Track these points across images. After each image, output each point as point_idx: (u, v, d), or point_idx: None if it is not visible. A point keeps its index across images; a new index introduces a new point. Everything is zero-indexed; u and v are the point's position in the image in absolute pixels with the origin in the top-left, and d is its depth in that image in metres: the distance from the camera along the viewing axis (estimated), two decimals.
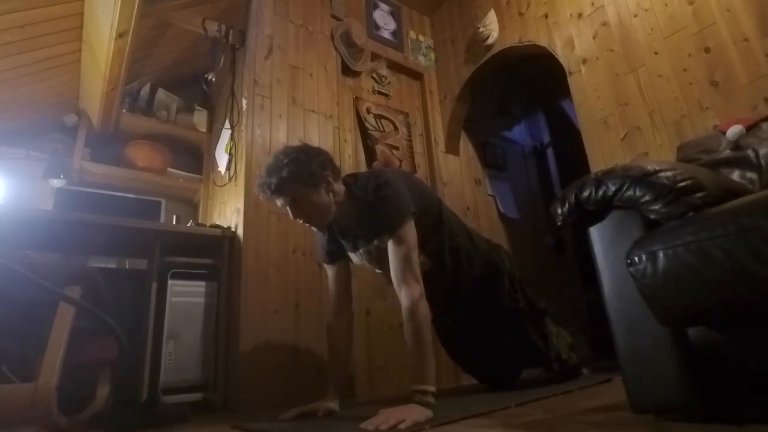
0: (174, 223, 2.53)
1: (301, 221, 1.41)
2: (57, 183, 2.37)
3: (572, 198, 1.02)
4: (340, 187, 1.46)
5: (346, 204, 1.46)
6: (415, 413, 1.12)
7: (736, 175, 1.41)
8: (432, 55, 3.30)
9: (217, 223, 2.30)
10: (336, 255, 1.60)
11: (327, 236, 1.58)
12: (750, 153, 1.43)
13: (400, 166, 2.79)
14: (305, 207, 1.39)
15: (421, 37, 3.29)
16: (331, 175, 1.41)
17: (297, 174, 1.35)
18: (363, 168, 2.64)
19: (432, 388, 1.19)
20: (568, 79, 2.35)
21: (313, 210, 1.40)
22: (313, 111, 2.48)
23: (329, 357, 1.61)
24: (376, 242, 1.47)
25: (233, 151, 2.33)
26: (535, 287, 3.18)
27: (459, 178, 3.05)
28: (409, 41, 3.21)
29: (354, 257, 1.58)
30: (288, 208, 1.39)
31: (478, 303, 1.66)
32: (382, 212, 1.39)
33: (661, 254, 0.84)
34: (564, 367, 1.69)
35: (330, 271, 1.62)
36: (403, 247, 1.35)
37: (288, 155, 1.38)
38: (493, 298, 1.67)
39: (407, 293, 1.30)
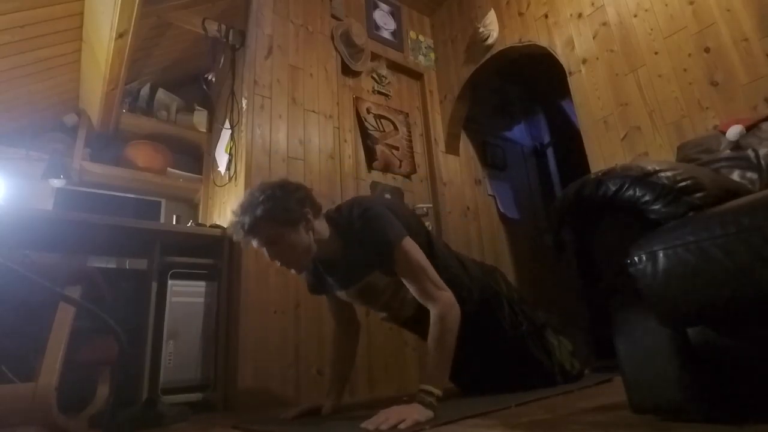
0: (174, 223, 2.53)
1: (279, 263, 1.31)
2: (57, 183, 2.37)
3: (572, 198, 1.02)
4: (321, 225, 1.35)
5: (329, 241, 1.35)
6: (416, 413, 1.11)
7: (736, 175, 1.41)
8: (432, 55, 3.30)
9: (217, 223, 2.30)
10: (320, 289, 1.53)
11: (312, 270, 1.50)
12: (750, 153, 1.43)
13: (400, 166, 2.79)
14: (282, 248, 1.27)
15: (421, 37, 3.29)
16: (310, 212, 1.30)
17: (273, 212, 1.24)
18: (363, 168, 2.65)
19: (438, 392, 1.18)
20: (568, 79, 2.35)
21: (291, 251, 1.28)
22: (313, 111, 2.49)
23: (333, 361, 1.60)
24: (368, 279, 1.38)
25: (233, 151, 2.33)
26: (535, 287, 3.21)
27: (459, 178, 3.05)
28: (409, 41, 3.21)
29: (341, 294, 1.48)
30: (264, 249, 1.28)
31: (481, 333, 1.55)
32: (372, 241, 1.29)
33: (661, 254, 0.84)
34: (567, 378, 1.67)
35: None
36: (411, 263, 1.28)
37: (263, 192, 1.27)
38: (495, 327, 1.56)
39: (436, 306, 1.25)
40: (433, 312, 1.25)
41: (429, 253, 1.40)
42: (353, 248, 1.34)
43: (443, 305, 1.25)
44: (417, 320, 1.49)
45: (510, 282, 1.76)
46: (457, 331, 1.25)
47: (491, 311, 1.57)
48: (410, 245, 1.30)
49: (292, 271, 1.36)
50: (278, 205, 1.25)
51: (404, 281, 1.31)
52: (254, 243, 1.29)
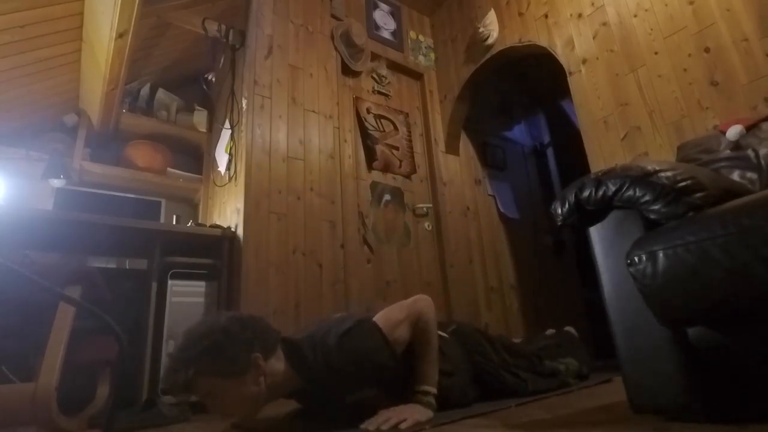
0: (174, 223, 2.53)
1: (223, 416, 1.18)
2: (57, 183, 2.37)
3: (572, 198, 1.02)
4: (276, 366, 1.15)
5: (286, 378, 1.16)
6: (416, 413, 1.12)
7: (736, 175, 1.41)
8: (432, 55, 3.30)
9: (217, 223, 2.30)
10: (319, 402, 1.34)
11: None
12: (750, 153, 1.44)
13: (400, 166, 2.79)
14: (225, 402, 1.10)
15: (421, 37, 3.29)
16: (261, 356, 1.11)
17: (213, 366, 1.05)
18: (363, 168, 2.65)
19: (434, 390, 1.19)
20: (568, 79, 2.35)
21: (234, 404, 1.11)
22: (313, 111, 2.49)
23: None
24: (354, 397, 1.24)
25: (233, 151, 2.33)
26: (535, 287, 3.21)
27: (459, 178, 3.05)
28: (409, 41, 3.21)
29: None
30: (204, 404, 1.13)
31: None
32: (359, 370, 1.14)
33: (661, 254, 0.84)
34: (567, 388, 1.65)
35: None
36: (395, 337, 1.20)
37: (203, 338, 1.07)
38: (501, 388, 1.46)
39: (416, 325, 1.25)
40: (416, 326, 1.25)
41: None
42: (321, 386, 1.18)
43: (422, 322, 1.25)
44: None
45: (491, 336, 1.60)
46: (436, 329, 1.26)
47: (483, 382, 1.45)
48: (385, 329, 1.20)
49: (244, 421, 1.23)
50: (220, 357, 1.06)
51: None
52: (194, 396, 1.15)
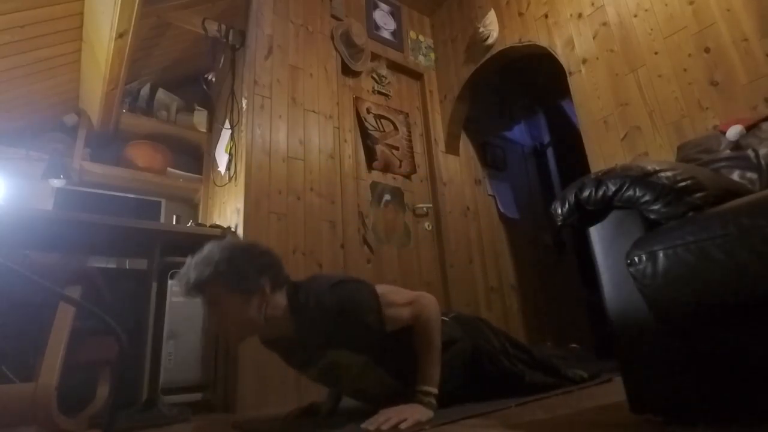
0: (174, 223, 2.53)
1: (217, 329, 1.20)
2: (57, 183, 2.37)
3: (572, 198, 1.02)
4: (279, 299, 1.20)
5: (282, 319, 1.20)
6: (417, 413, 1.12)
7: (736, 175, 1.41)
8: (432, 55, 3.30)
9: (217, 223, 2.30)
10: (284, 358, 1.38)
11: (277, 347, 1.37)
12: (750, 153, 1.43)
13: (400, 166, 2.79)
14: (223, 314, 1.16)
15: (421, 37, 3.29)
16: (269, 285, 1.17)
17: (224, 275, 1.12)
18: (363, 168, 2.65)
19: (435, 390, 1.19)
20: (568, 79, 2.35)
21: (231, 320, 1.16)
22: (313, 111, 2.49)
23: None
24: (332, 357, 1.24)
25: (233, 151, 2.33)
26: (535, 287, 3.21)
27: (459, 178, 3.05)
28: (409, 41, 3.21)
29: (302, 371, 1.35)
30: (205, 310, 1.18)
31: (478, 384, 1.43)
32: (348, 319, 1.17)
33: (661, 254, 0.84)
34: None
35: None
36: (389, 312, 1.23)
37: (223, 250, 1.16)
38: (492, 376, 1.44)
39: (419, 316, 1.25)
40: (417, 324, 1.25)
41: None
42: (308, 328, 1.19)
43: (424, 314, 1.25)
44: (378, 401, 1.33)
45: (496, 328, 1.59)
46: (440, 329, 1.25)
47: (482, 366, 1.43)
48: (387, 307, 1.23)
49: (229, 341, 1.23)
50: (234, 269, 1.13)
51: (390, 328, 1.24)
52: (200, 301, 1.19)
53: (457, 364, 1.36)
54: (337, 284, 1.22)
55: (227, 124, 2.42)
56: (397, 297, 1.27)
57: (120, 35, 1.90)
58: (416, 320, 1.25)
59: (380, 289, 1.27)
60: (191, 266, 1.15)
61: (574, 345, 2.22)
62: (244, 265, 1.15)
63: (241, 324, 1.17)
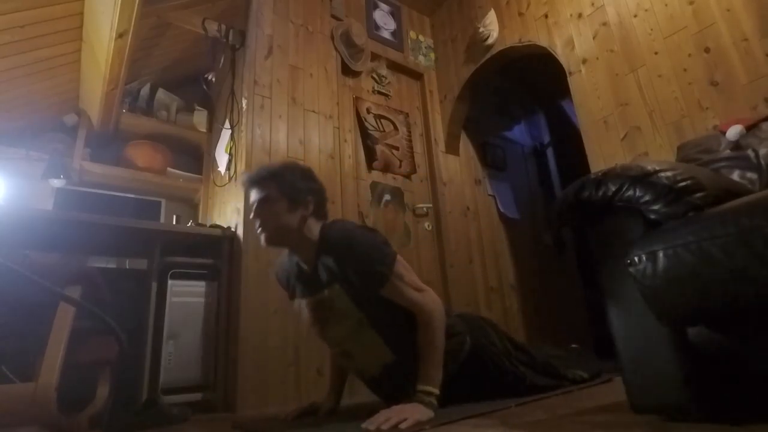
0: (174, 223, 2.53)
1: (257, 225, 1.31)
2: (57, 183, 2.37)
3: (572, 198, 1.02)
4: (314, 225, 1.33)
5: (310, 246, 1.32)
6: (417, 412, 1.12)
7: (736, 175, 1.41)
8: (432, 55, 3.30)
9: (217, 223, 2.30)
10: (291, 293, 1.48)
11: (284, 277, 1.47)
12: (750, 153, 1.43)
13: (400, 166, 2.79)
14: (269, 212, 1.30)
15: (421, 37, 3.29)
16: (312, 207, 1.32)
17: (281, 179, 1.31)
18: (363, 168, 2.65)
19: (436, 391, 1.19)
20: (568, 79, 2.35)
21: (274, 220, 1.29)
22: (313, 111, 2.48)
23: (332, 360, 1.61)
24: (327, 292, 1.30)
25: (233, 151, 2.33)
26: (535, 287, 3.21)
27: (459, 178, 3.05)
28: (409, 41, 3.21)
29: (301, 304, 1.41)
30: (254, 204, 1.32)
31: (476, 383, 1.43)
32: (359, 259, 1.25)
33: (661, 254, 0.84)
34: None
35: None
36: (397, 283, 1.26)
37: (289, 165, 1.38)
38: (491, 377, 1.44)
39: (422, 309, 1.27)
40: (420, 317, 1.26)
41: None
42: (326, 253, 1.29)
43: (429, 308, 1.27)
44: (378, 383, 1.42)
45: (500, 329, 1.58)
46: (443, 330, 1.26)
47: (483, 364, 1.43)
48: (399, 267, 1.28)
49: (262, 238, 1.32)
50: (290, 179, 1.32)
51: (393, 297, 1.27)
52: (251, 196, 1.33)
53: (456, 356, 1.37)
54: (367, 229, 1.37)
55: (227, 124, 2.42)
56: (410, 277, 1.31)
57: (120, 35, 1.90)
58: (420, 313, 1.26)
59: (401, 263, 1.31)
60: (258, 168, 1.35)
61: (574, 345, 2.22)
62: (298, 180, 1.33)
63: (278, 227, 1.30)
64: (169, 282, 1.86)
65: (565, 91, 2.46)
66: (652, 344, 0.89)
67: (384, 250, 1.28)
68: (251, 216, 1.32)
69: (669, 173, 0.91)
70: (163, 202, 2.66)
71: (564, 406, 1.24)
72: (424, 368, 1.23)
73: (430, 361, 1.23)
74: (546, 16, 2.51)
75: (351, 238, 1.28)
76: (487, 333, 1.49)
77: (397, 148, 2.81)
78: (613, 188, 0.95)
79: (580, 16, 2.34)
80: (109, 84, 2.21)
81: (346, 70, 2.77)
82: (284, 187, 1.30)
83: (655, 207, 0.90)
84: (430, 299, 1.30)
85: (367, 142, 2.69)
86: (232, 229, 2.10)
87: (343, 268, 1.25)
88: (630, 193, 0.93)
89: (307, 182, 1.35)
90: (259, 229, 1.31)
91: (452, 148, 3.09)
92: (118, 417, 1.40)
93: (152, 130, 2.73)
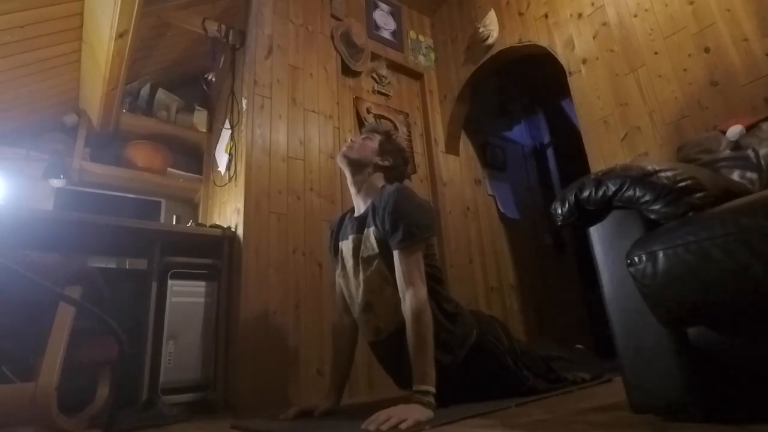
0: (174, 223, 2.53)
1: (350, 140, 1.64)
2: (57, 183, 2.37)
3: (572, 198, 1.02)
4: (379, 179, 1.57)
5: (365, 196, 1.55)
6: (417, 413, 1.12)
7: (736, 175, 1.41)
8: (432, 55, 3.30)
9: (217, 223, 2.30)
10: (335, 245, 1.64)
11: (337, 225, 1.66)
12: (750, 153, 1.43)
13: None
14: (365, 142, 1.61)
15: (421, 37, 3.29)
16: (389, 162, 1.59)
17: (387, 136, 1.66)
18: None
19: (433, 389, 1.19)
20: (568, 79, 2.35)
21: (363, 151, 1.59)
22: (313, 111, 2.48)
23: (333, 357, 1.61)
24: (362, 236, 1.48)
25: (233, 151, 2.33)
26: (535, 287, 3.21)
27: (459, 178, 3.05)
28: (409, 41, 3.21)
29: (343, 246, 1.58)
30: (363, 135, 1.66)
31: (477, 379, 1.45)
32: (396, 216, 1.37)
33: (661, 254, 0.84)
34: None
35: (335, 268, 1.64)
36: (412, 257, 1.35)
37: (392, 134, 1.74)
38: (493, 373, 1.46)
39: (414, 294, 1.29)
40: (410, 303, 1.29)
41: (439, 278, 1.52)
42: (377, 204, 1.46)
43: (420, 299, 1.30)
44: (389, 345, 1.45)
45: (509, 331, 1.61)
46: (432, 327, 1.29)
47: (486, 359, 1.45)
48: (419, 251, 1.39)
49: (344, 149, 1.61)
50: (390, 138, 1.67)
51: (395, 262, 1.37)
52: (369, 132, 1.68)
53: (462, 343, 1.42)
54: (425, 202, 1.66)
55: (227, 124, 2.41)
56: (417, 267, 1.36)
57: (120, 35, 1.90)
58: (413, 298, 1.29)
59: (425, 252, 1.42)
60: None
61: (579, 346, 2.22)
62: (392, 143, 1.66)
63: (362, 154, 1.58)
64: (169, 282, 1.86)
65: (565, 91, 2.46)
66: (652, 344, 0.89)
67: (423, 221, 1.40)
68: (354, 135, 1.60)
69: (669, 173, 0.91)
70: (163, 202, 2.66)
71: (564, 406, 1.24)
72: (418, 366, 1.23)
73: (423, 358, 1.23)
74: (546, 16, 2.51)
75: (402, 192, 1.42)
76: (495, 330, 1.53)
77: None
78: (613, 188, 0.95)
79: (580, 16, 2.34)
80: (109, 84, 2.21)
81: (346, 70, 2.77)
82: (383, 139, 1.63)
83: (655, 207, 0.90)
84: (423, 295, 1.31)
85: None
86: (232, 229, 2.10)
87: (382, 213, 1.40)
88: (630, 193, 0.93)
89: (396, 148, 1.65)
90: (348, 145, 1.61)
91: (452, 148, 3.09)
92: (118, 417, 1.40)
93: (152, 130, 2.73)
